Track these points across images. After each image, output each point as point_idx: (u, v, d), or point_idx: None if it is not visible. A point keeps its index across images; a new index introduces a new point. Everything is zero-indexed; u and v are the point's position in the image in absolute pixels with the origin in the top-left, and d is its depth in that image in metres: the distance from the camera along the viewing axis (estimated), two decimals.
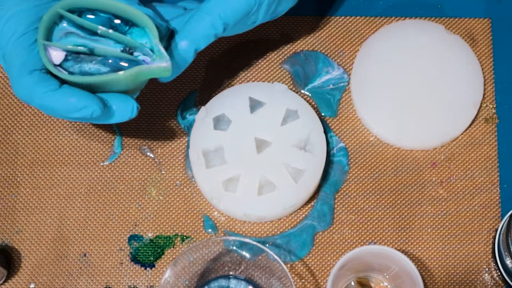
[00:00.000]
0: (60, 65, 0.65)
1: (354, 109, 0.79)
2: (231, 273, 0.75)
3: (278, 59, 0.80)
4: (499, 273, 0.74)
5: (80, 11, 0.66)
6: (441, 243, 0.76)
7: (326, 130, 0.78)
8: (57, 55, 0.65)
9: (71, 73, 0.65)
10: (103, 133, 0.78)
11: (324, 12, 0.81)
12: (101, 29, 0.65)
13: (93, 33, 0.66)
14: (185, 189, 0.77)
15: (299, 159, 0.75)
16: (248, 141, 0.75)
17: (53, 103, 0.64)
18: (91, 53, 0.66)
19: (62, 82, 0.65)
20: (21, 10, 0.66)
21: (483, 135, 0.78)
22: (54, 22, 0.66)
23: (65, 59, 0.65)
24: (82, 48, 0.65)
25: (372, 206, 0.77)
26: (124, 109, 0.66)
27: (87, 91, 0.65)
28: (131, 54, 0.65)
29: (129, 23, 0.66)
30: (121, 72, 0.64)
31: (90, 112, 0.64)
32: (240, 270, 0.74)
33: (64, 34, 0.66)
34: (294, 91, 0.79)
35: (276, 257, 0.71)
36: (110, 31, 0.65)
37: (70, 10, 0.66)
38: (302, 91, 0.79)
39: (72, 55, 0.66)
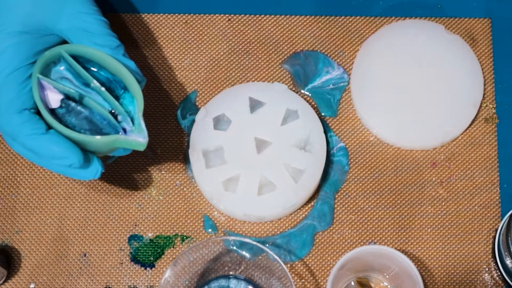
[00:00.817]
0: (52, 110, 0.65)
1: (354, 109, 0.79)
2: (231, 273, 0.75)
3: (278, 59, 0.80)
4: (499, 273, 0.74)
5: (81, 63, 0.66)
6: (441, 243, 0.76)
7: (326, 130, 0.78)
8: (54, 98, 0.65)
9: (59, 121, 0.65)
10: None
11: (324, 12, 0.81)
12: (94, 83, 0.65)
13: (87, 85, 0.66)
14: (185, 189, 0.77)
15: (299, 159, 0.75)
16: (248, 141, 0.75)
17: (36, 146, 0.64)
18: (79, 100, 0.66)
19: (47, 125, 0.65)
20: (16, 43, 0.65)
21: (483, 135, 0.78)
22: (53, 61, 0.66)
23: (59, 106, 0.65)
24: (72, 91, 0.65)
25: (372, 206, 0.77)
26: (90, 171, 0.67)
27: (70, 142, 0.65)
28: (116, 117, 0.66)
29: (124, 86, 0.67)
30: (98, 137, 0.64)
31: (69, 162, 0.64)
32: (240, 270, 0.74)
33: (59, 78, 0.66)
34: (294, 91, 0.79)
35: (276, 257, 0.71)
36: (102, 88, 0.65)
37: (72, 57, 0.66)
38: (302, 91, 0.79)
39: (65, 102, 0.65)
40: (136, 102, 0.66)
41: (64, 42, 0.68)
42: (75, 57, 0.66)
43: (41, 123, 0.64)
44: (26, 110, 0.64)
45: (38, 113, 0.65)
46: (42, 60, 0.64)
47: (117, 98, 0.66)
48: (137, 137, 0.65)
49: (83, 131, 0.65)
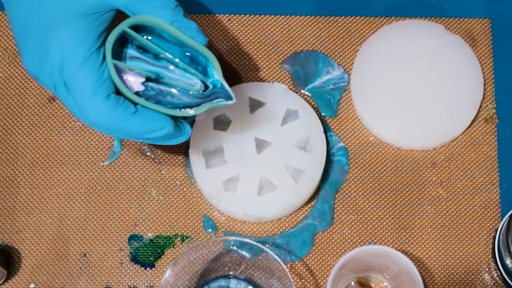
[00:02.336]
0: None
1: (354, 109, 0.79)
2: (231, 273, 0.75)
3: (278, 59, 0.80)
4: (499, 273, 0.74)
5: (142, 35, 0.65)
6: (441, 243, 0.76)
7: (326, 130, 0.78)
8: (135, 82, 0.64)
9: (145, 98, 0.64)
10: (103, 133, 0.78)
11: (324, 12, 0.81)
12: (166, 54, 0.64)
13: (157, 58, 0.65)
14: (185, 189, 0.77)
15: (299, 159, 0.75)
16: (248, 141, 0.75)
17: (130, 126, 0.63)
18: (156, 78, 0.65)
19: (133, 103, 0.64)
20: (80, 29, 0.62)
21: (483, 135, 0.78)
22: (119, 42, 0.64)
23: (144, 89, 0.65)
24: (150, 69, 0.64)
25: (372, 206, 0.77)
26: (182, 133, 0.66)
27: (159, 112, 0.64)
28: (205, 90, 0.65)
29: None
30: (191, 111, 0.64)
31: (166, 133, 0.64)
32: (240, 270, 0.74)
33: (129, 58, 0.65)
34: (294, 91, 0.79)
35: (276, 257, 0.71)
36: (177, 59, 0.64)
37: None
38: (302, 91, 0.79)
39: (145, 84, 0.64)
40: (212, 65, 0.65)
41: (122, 17, 0.66)
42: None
43: (129, 104, 0.63)
44: (112, 94, 0.62)
45: (117, 92, 0.64)
46: (110, 45, 0.62)
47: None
48: (227, 101, 0.65)
49: (170, 106, 0.64)
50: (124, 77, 0.64)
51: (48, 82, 0.63)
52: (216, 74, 0.65)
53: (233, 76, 0.79)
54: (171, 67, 0.65)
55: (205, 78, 0.65)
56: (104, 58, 0.63)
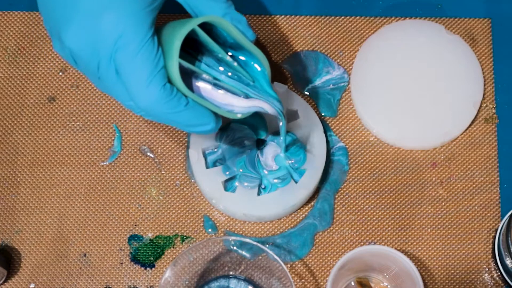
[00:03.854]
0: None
1: (354, 109, 0.79)
2: (231, 273, 0.75)
3: (278, 59, 0.80)
4: (499, 273, 0.74)
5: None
6: (441, 243, 0.76)
7: (326, 129, 0.78)
8: (205, 89, 0.64)
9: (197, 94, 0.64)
10: (103, 133, 0.78)
11: (324, 12, 0.81)
12: (228, 58, 0.64)
13: (215, 59, 0.65)
14: (185, 189, 0.77)
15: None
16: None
17: (180, 118, 0.63)
18: (214, 83, 0.65)
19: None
20: (137, 10, 0.60)
21: (483, 135, 0.78)
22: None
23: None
24: (209, 77, 0.64)
25: (372, 206, 0.77)
26: (216, 128, 0.66)
27: (207, 109, 0.64)
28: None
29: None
30: (239, 115, 0.65)
31: (209, 128, 0.64)
32: (240, 270, 0.74)
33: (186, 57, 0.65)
34: (294, 91, 0.79)
35: (276, 257, 0.71)
36: (235, 63, 0.65)
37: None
38: (302, 91, 0.79)
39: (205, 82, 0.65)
40: (264, 71, 0.66)
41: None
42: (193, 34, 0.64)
43: (182, 96, 0.62)
44: (167, 84, 0.61)
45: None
46: (178, 42, 0.61)
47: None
48: (265, 103, 0.66)
49: (215, 104, 0.65)
50: (196, 82, 0.64)
51: (91, 61, 0.61)
52: (267, 84, 0.66)
53: None
54: (229, 73, 0.65)
55: (252, 85, 0.66)
56: (158, 45, 0.61)
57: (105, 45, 0.60)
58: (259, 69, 0.66)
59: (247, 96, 0.65)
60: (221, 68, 0.65)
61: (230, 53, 0.66)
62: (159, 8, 0.63)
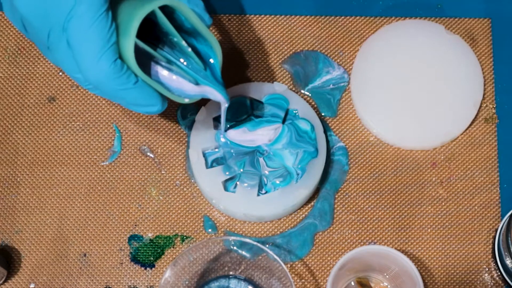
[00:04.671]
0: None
1: (354, 109, 0.79)
2: (231, 273, 0.75)
3: (278, 59, 0.80)
4: (499, 273, 0.74)
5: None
6: (441, 243, 0.76)
7: (326, 129, 0.78)
8: (156, 71, 0.64)
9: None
10: (103, 133, 0.78)
11: (324, 12, 0.81)
12: (183, 43, 0.65)
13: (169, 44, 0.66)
14: (185, 189, 0.77)
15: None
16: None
17: (128, 95, 0.62)
18: (165, 67, 0.65)
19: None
20: None
21: (483, 135, 0.78)
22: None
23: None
24: (161, 60, 0.65)
25: (372, 206, 0.77)
26: (162, 109, 0.66)
27: (155, 91, 0.64)
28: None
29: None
30: (186, 100, 0.65)
31: (155, 110, 0.64)
32: (240, 270, 0.74)
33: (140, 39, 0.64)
34: (294, 91, 0.79)
35: (276, 257, 0.71)
36: (189, 49, 0.65)
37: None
38: (302, 91, 0.79)
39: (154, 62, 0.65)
40: (217, 59, 0.66)
41: None
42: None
43: (131, 73, 0.62)
44: (118, 60, 0.61)
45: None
46: (137, 22, 0.61)
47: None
48: (217, 93, 0.67)
49: (165, 87, 0.65)
50: (155, 66, 0.65)
51: (41, 28, 0.61)
52: (217, 71, 0.66)
53: (233, 76, 0.79)
54: (181, 59, 0.66)
55: (204, 72, 0.66)
56: (112, 20, 0.61)
57: (58, 13, 0.60)
58: (211, 59, 0.67)
59: (196, 83, 0.66)
60: (174, 53, 0.66)
61: (184, 40, 0.66)
62: None
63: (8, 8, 0.62)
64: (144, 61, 0.64)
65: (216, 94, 0.67)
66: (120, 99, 0.63)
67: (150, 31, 0.65)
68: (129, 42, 0.61)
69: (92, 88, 0.63)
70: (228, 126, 0.74)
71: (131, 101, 0.63)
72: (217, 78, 0.67)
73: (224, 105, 0.69)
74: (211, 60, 0.67)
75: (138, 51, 0.63)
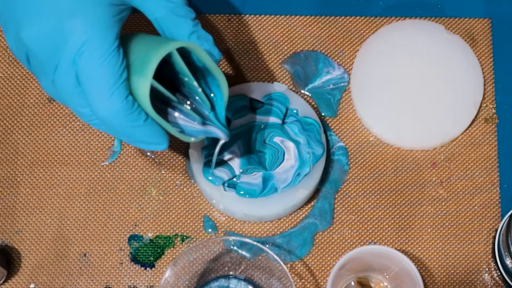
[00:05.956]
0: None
1: (354, 109, 0.79)
2: (231, 273, 0.75)
3: (278, 59, 0.80)
4: (499, 273, 0.74)
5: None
6: (441, 243, 0.76)
7: (326, 129, 0.78)
8: (164, 110, 0.64)
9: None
10: (103, 133, 0.78)
11: (324, 12, 0.81)
12: (195, 84, 0.64)
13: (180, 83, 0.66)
14: (185, 189, 0.77)
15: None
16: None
17: (137, 133, 0.62)
18: (173, 106, 0.65)
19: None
20: (105, 18, 0.59)
21: (483, 135, 0.78)
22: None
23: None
24: (171, 100, 0.64)
25: (372, 206, 0.77)
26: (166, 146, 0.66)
27: (162, 129, 0.64)
28: (204, 123, 0.66)
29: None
30: (192, 139, 0.65)
31: (161, 148, 0.63)
32: (240, 270, 0.74)
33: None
34: (294, 91, 0.79)
35: (276, 257, 0.71)
36: (200, 89, 0.65)
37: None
38: (302, 91, 0.79)
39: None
40: (224, 100, 0.66)
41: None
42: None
43: (142, 112, 0.61)
44: (130, 96, 0.60)
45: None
46: (155, 64, 0.60)
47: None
48: (222, 137, 0.67)
49: (172, 124, 0.65)
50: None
51: (49, 61, 0.60)
52: (223, 112, 0.66)
53: (233, 76, 0.79)
54: (187, 99, 0.66)
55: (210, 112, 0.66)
56: (124, 56, 0.60)
57: (69, 48, 0.59)
58: (216, 97, 0.67)
59: (203, 123, 0.66)
60: (182, 92, 0.65)
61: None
62: (124, 19, 0.62)
63: (13, 40, 0.61)
64: (152, 100, 0.63)
65: (220, 133, 0.66)
66: (127, 136, 0.62)
67: (158, 69, 0.64)
68: (145, 83, 0.60)
69: (98, 124, 0.62)
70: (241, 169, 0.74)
71: (139, 138, 0.62)
72: (221, 120, 0.66)
73: (221, 141, 0.69)
74: (214, 96, 0.67)
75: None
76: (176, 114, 0.65)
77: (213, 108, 0.66)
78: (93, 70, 0.59)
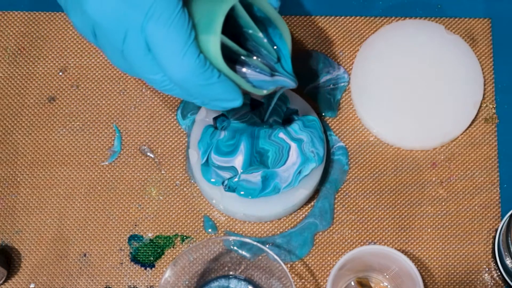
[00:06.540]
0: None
1: (354, 109, 0.79)
2: (231, 273, 0.75)
3: None
4: (499, 273, 0.74)
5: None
6: (441, 243, 0.76)
7: (326, 129, 0.78)
8: (241, 67, 0.64)
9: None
10: (102, 133, 0.78)
11: (324, 12, 0.81)
12: (260, 34, 0.64)
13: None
14: (185, 189, 0.77)
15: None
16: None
17: (211, 90, 0.61)
18: (243, 60, 0.65)
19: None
20: None
21: (483, 135, 0.78)
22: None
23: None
24: (244, 53, 0.64)
25: (372, 206, 0.77)
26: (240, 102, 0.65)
27: (235, 85, 0.63)
28: (273, 75, 0.66)
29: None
30: (265, 91, 0.64)
31: (236, 104, 0.63)
32: (240, 270, 0.74)
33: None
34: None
35: (276, 257, 0.71)
36: (265, 40, 0.65)
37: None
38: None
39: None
40: (288, 49, 0.66)
41: None
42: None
43: (215, 69, 0.61)
44: (201, 54, 0.60)
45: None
46: (221, 18, 0.60)
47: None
48: (290, 81, 0.66)
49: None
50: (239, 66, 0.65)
51: (116, 32, 0.59)
52: (288, 61, 0.66)
53: None
54: (255, 51, 0.66)
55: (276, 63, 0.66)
56: (189, 17, 0.60)
57: (136, 14, 0.58)
58: (281, 48, 0.66)
59: (272, 74, 0.65)
60: (249, 46, 0.65)
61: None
62: None
63: (78, 16, 0.61)
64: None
65: (289, 82, 0.66)
66: (202, 96, 0.62)
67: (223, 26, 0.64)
68: (215, 39, 0.60)
69: (172, 89, 0.62)
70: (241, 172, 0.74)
71: (214, 97, 0.62)
72: (288, 69, 0.66)
73: (282, 90, 0.68)
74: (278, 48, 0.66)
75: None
76: (244, 69, 0.65)
77: (278, 59, 0.66)
78: (163, 33, 0.59)
